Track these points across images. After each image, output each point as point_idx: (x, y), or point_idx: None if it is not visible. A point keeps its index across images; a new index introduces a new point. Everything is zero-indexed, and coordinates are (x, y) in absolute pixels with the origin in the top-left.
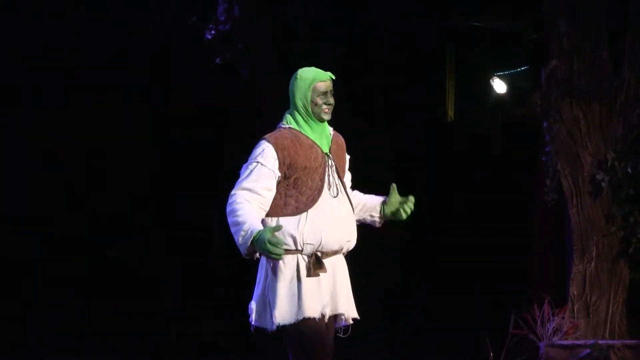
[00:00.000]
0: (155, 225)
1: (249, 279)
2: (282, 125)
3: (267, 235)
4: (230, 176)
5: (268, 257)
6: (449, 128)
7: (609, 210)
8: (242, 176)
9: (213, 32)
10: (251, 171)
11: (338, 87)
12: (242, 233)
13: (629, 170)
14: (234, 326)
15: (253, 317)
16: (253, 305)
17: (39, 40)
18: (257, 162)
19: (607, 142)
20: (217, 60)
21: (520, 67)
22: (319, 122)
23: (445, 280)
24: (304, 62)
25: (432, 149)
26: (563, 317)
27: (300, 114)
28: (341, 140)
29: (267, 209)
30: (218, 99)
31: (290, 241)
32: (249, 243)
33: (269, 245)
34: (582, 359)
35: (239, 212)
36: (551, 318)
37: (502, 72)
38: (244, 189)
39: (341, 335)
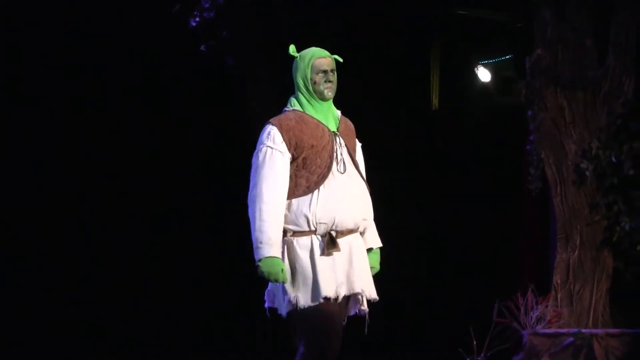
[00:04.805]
0: (144, 216)
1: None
2: (286, 109)
3: (281, 277)
4: (214, 164)
5: (261, 277)
6: (433, 116)
7: (593, 199)
8: (258, 164)
9: (198, 19)
10: (264, 157)
11: None
12: (260, 245)
13: (613, 159)
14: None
15: (272, 302)
16: (270, 289)
17: (19, 31)
18: (267, 146)
19: (591, 130)
20: (202, 47)
21: (504, 56)
22: (322, 101)
23: (428, 269)
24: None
25: (416, 137)
26: (547, 306)
27: (303, 95)
28: (350, 123)
29: (286, 193)
30: (202, 87)
31: (303, 222)
32: (258, 258)
33: (273, 278)
34: (566, 347)
35: (265, 218)
36: (535, 306)
37: (486, 60)
38: (266, 181)
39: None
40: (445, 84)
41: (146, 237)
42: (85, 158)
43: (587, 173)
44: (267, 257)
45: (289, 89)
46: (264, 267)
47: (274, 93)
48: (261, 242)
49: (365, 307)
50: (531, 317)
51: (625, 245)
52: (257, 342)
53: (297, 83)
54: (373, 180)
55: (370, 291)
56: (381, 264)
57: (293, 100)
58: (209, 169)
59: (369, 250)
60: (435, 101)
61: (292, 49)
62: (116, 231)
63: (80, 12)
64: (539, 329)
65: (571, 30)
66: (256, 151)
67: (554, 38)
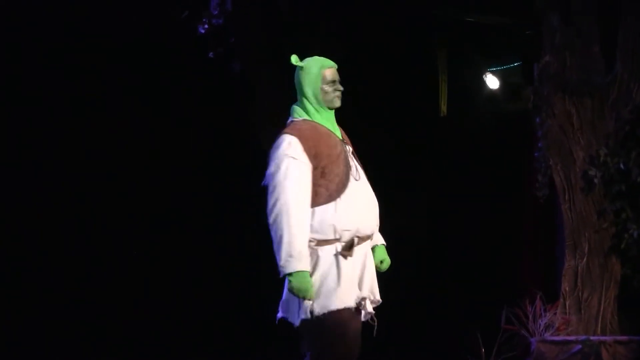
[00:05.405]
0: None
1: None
2: (295, 119)
3: (310, 294)
4: (214, 164)
5: (291, 291)
6: (441, 123)
7: (600, 205)
8: (280, 176)
9: (206, 26)
10: (287, 168)
11: None
12: (290, 258)
13: (621, 166)
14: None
15: (286, 312)
16: (285, 300)
17: (19, 31)
18: (290, 157)
19: (599, 137)
20: (210, 54)
21: (512, 63)
22: (329, 110)
23: (436, 275)
24: (298, 56)
25: (424, 144)
26: (555, 313)
27: (311, 104)
28: (342, 130)
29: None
30: (210, 93)
31: (329, 230)
32: (289, 271)
33: (302, 294)
34: (574, 354)
35: (294, 231)
36: (543, 314)
37: (494, 67)
38: (292, 193)
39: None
40: (453, 91)
41: (146, 237)
42: (85, 158)
43: (595, 180)
44: (298, 272)
45: (291, 91)
46: (295, 281)
47: (275, 94)
48: (291, 256)
49: (372, 310)
50: (539, 324)
51: (633, 252)
52: (258, 342)
53: (304, 92)
54: (375, 181)
55: (376, 294)
56: (388, 271)
57: (298, 109)
58: (209, 169)
59: (375, 246)
60: (443, 108)
61: (294, 58)
62: (116, 231)
63: (80, 12)
64: (547, 336)
65: (579, 37)
66: (276, 162)
67: (562, 44)
